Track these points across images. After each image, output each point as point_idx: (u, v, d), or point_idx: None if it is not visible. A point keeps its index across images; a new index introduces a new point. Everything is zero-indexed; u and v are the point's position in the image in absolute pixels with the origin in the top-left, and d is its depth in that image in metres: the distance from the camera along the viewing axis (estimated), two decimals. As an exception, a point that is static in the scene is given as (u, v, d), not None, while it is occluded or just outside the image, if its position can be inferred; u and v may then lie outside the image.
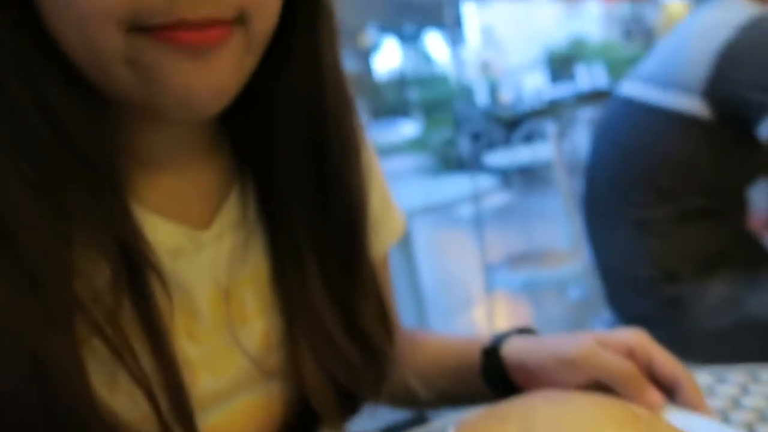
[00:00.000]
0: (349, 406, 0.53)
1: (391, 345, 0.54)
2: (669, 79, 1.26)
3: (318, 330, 0.50)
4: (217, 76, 0.38)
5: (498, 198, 3.81)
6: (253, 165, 0.50)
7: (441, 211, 2.40)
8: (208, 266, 0.47)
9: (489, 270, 2.38)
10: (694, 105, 1.21)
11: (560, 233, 3.52)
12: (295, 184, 0.48)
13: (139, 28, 0.35)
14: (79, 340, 0.37)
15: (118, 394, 0.40)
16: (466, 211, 3.68)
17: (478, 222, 2.75)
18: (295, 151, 0.48)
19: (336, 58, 0.47)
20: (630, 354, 0.51)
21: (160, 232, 0.44)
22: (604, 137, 1.45)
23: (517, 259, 2.44)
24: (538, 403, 0.41)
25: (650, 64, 1.35)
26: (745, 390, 0.54)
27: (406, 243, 2.38)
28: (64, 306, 0.37)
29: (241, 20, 0.38)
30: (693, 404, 0.48)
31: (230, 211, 0.49)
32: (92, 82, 0.38)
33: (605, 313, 1.48)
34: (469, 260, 4.14)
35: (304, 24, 0.45)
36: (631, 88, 1.37)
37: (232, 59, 0.38)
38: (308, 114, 0.47)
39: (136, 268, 0.40)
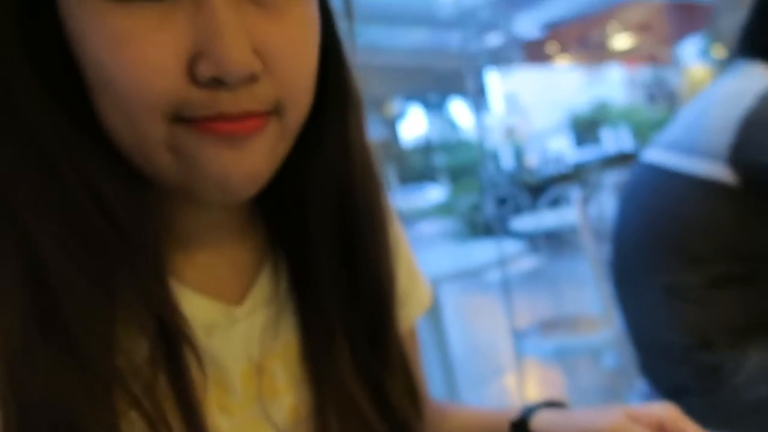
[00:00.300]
0: None
1: (420, 420, 0.54)
2: (693, 145, 1.26)
3: (347, 405, 0.50)
4: (252, 162, 0.40)
5: (525, 263, 3.78)
6: (285, 242, 0.52)
7: (468, 276, 2.38)
8: (241, 341, 0.48)
9: (518, 336, 2.34)
10: (718, 171, 1.21)
11: (589, 299, 3.46)
12: (324, 261, 0.50)
13: (181, 118, 0.38)
14: (118, 412, 0.38)
15: None
16: (493, 276, 3.66)
17: (506, 287, 2.72)
18: (325, 230, 0.50)
19: (363, 140, 0.50)
20: (661, 429, 0.50)
21: (196, 307, 0.45)
22: (629, 202, 1.45)
23: (547, 326, 2.40)
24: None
25: (674, 131, 1.36)
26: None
27: (433, 310, 2.37)
28: (105, 379, 0.38)
29: (276, 111, 0.40)
30: None
31: (262, 287, 0.51)
32: (136, 166, 0.40)
33: (640, 382, 1.44)
34: (497, 326, 4.07)
35: (334, 110, 0.48)
36: (656, 154, 1.37)
37: (267, 146, 0.41)
38: (338, 194, 0.49)
39: (173, 343, 0.41)
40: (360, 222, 0.50)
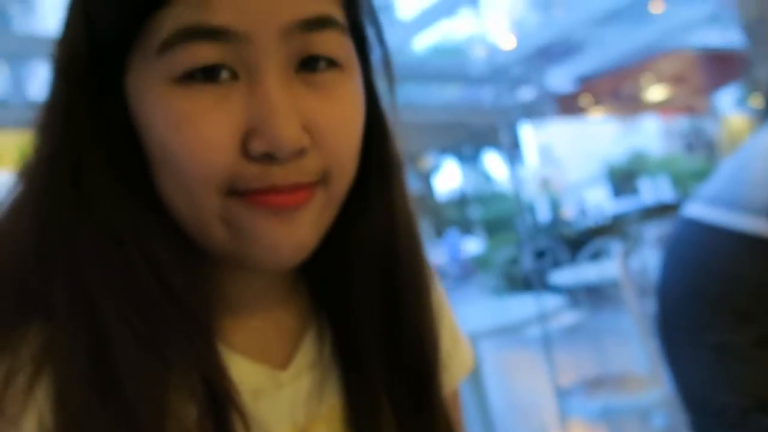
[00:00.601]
0: None
1: None
2: (735, 199, 1.25)
3: None
4: (301, 233, 0.42)
5: (566, 318, 3.70)
6: (329, 305, 0.53)
7: (508, 332, 2.34)
8: (287, 405, 0.49)
9: (562, 395, 2.27)
10: (761, 226, 1.19)
11: (634, 356, 3.35)
12: (369, 325, 0.51)
13: (235, 192, 0.40)
14: None
15: None
16: (533, 331, 3.59)
17: (547, 343, 2.67)
18: (369, 294, 0.51)
19: (406, 204, 0.52)
20: None
21: (243, 371, 0.46)
22: (672, 257, 1.43)
23: (592, 384, 2.32)
24: None
25: (715, 185, 1.35)
26: None
27: (473, 368, 2.32)
28: None
29: (322, 180, 0.42)
30: None
31: (307, 351, 0.52)
32: (192, 237, 0.43)
33: (692, 446, 1.38)
34: (539, 384, 3.96)
35: (377, 178, 0.50)
36: (697, 209, 1.36)
37: (314, 217, 0.43)
38: (382, 259, 0.50)
39: (221, 408, 0.42)
40: (404, 286, 0.51)
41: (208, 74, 0.38)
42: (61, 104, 0.41)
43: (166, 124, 0.39)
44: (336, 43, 0.42)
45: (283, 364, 0.50)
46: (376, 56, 0.49)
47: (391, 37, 0.50)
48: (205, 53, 0.38)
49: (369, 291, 0.50)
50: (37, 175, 0.41)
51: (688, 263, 1.35)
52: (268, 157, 0.39)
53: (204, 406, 0.41)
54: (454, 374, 0.61)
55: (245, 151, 0.39)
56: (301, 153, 0.40)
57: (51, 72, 0.42)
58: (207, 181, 0.39)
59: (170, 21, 0.37)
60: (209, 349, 0.42)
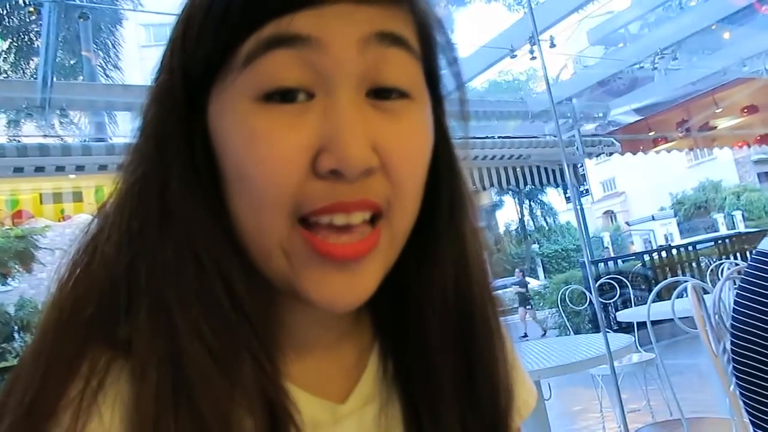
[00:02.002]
0: None
1: None
2: None
3: None
4: (359, 283, 0.42)
5: (636, 357, 3.55)
6: (394, 340, 0.53)
7: (574, 371, 2.27)
8: None
9: (634, 439, 2.16)
10: None
11: (710, 398, 3.17)
12: (441, 363, 0.50)
13: (302, 218, 0.41)
14: None
15: None
16: (601, 370, 3.45)
17: (615, 383, 2.56)
18: (440, 328, 0.50)
19: (478, 241, 0.51)
20: None
21: (302, 404, 0.46)
22: (748, 292, 1.36)
23: (666, 427, 2.21)
24: None
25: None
26: None
27: (538, 407, 2.26)
28: None
29: (386, 216, 0.43)
30: None
31: (366, 385, 0.51)
32: (257, 264, 0.44)
33: (779, 497, 1.28)
34: (608, 425, 3.79)
35: (447, 216, 0.50)
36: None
37: (377, 262, 0.43)
38: (454, 295, 0.50)
39: (281, 426, 0.42)
40: (475, 320, 0.51)
41: (286, 95, 0.40)
42: (154, 129, 0.44)
43: (243, 141, 0.40)
44: (407, 69, 0.43)
45: (342, 398, 0.50)
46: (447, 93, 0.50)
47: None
48: (284, 62, 0.40)
49: (442, 333, 0.50)
50: (128, 195, 0.44)
51: (765, 299, 1.28)
52: (336, 175, 0.40)
53: (264, 423, 0.41)
54: (517, 413, 0.60)
55: (314, 169, 0.40)
56: (368, 173, 0.41)
57: (146, 100, 0.45)
58: (277, 202, 0.40)
59: (254, 38, 0.40)
60: (274, 368, 0.43)
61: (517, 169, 7.76)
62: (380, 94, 0.42)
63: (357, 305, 0.43)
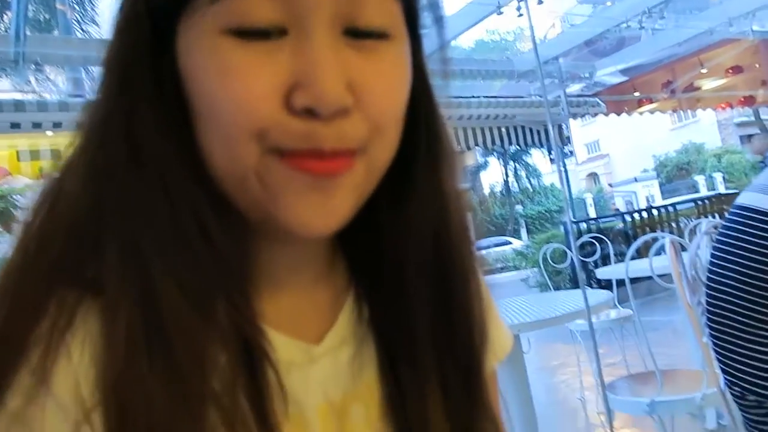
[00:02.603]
0: None
1: None
2: None
3: None
4: (335, 204, 0.42)
5: (614, 313, 3.62)
6: (371, 284, 0.53)
7: (553, 326, 2.30)
8: (319, 380, 0.49)
9: (608, 390, 2.22)
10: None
11: (686, 352, 3.25)
12: (417, 305, 0.50)
13: (276, 151, 0.40)
14: (209, 427, 0.39)
15: None
16: (579, 327, 3.52)
17: (593, 338, 2.61)
18: (417, 273, 0.50)
19: (457, 189, 0.51)
20: None
21: (277, 344, 0.46)
22: (724, 246, 1.38)
23: (640, 379, 2.26)
24: None
25: (769, 173, 1.30)
26: None
27: (516, 361, 2.30)
28: (201, 398, 0.39)
29: (363, 149, 0.42)
30: None
31: (342, 326, 0.52)
32: (228, 194, 0.43)
33: (746, 443, 1.33)
34: (585, 379, 3.88)
35: (426, 156, 0.49)
36: (750, 198, 1.31)
37: (351, 188, 0.42)
38: (432, 240, 0.50)
39: (255, 364, 0.42)
40: (453, 266, 0.51)
41: (258, 33, 0.39)
42: (117, 63, 0.42)
43: (215, 76, 0.39)
44: (385, 7, 0.42)
45: (317, 339, 0.50)
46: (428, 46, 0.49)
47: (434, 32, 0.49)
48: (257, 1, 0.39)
49: (418, 270, 0.50)
50: (93, 132, 0.43)
51: (740, 251, 1.30)
52: (310, 113, 0.39)
53: (238, 362, 0.41)
54: (492, 356, 0.60)
55: (288, 105, 0.39)
56: (344, 113, 0.40)
57: (110, 35, 0.44)
58: (247, 129, 0.39)
59: None
60: (248, 307, 0.43)
61: (503, 129, 7.75)
62: (357, 35, 0.41)
63: (331, 230, 0.42)
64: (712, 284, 1.39)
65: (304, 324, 0.50)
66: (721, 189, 8.01)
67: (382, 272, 0.51)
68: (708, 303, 1.39)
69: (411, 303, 0.50)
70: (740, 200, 1.36)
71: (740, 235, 1.32)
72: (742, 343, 1.29)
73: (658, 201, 8.51)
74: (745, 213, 1.31)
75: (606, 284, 4.38)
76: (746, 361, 1.28)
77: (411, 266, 0.50)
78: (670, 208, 8.13)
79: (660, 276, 2.37)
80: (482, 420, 0.52)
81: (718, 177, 8.33)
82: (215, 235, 0.42)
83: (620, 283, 3.01)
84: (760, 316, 1.24)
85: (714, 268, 1.39)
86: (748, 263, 1.27)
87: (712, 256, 1.40)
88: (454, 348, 0.51)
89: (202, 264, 0.41)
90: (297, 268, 0.50)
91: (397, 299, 0.50)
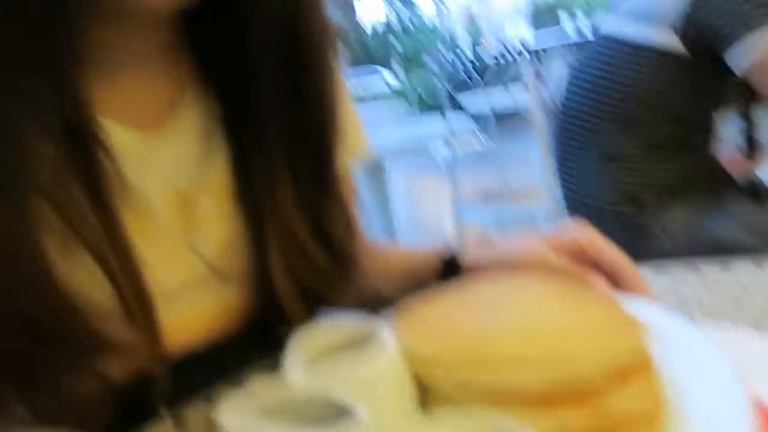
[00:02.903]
0: (316, 308, 0.54)
1: (355, 248, 0.56)
2: (647, 13, 1.26)
3: (287, 236, 0.51)
4: None
5: (474, 142, 3.80)
6: (217, 75, 0.51)
7: (417, 153, 2.38)
8: (162, 169, 0.48)
9: (461, 206, 2.39)
10: (668, 39, 1.22)
11: (536, 174, 3.53)
12: (267, 94, 0.49)
13: None
14: (37, 217, 0.38)
15: (77, 271, 0.41)
16: (443, 155, 3.67)
17: (453, 163, 2.74)
18: (268, 63, 0.48)
19: None
20: (581, 252, 0.49)
21: (111, 132, 0.43)
22: (578, 76, 1.45)
23: (489, 196, 2.46)
24: (480, 282, 0.40)
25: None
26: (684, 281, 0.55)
27: (381, 184, 2.37)
28: (23, 187, 0.37)
29: None
30: (637, 291, 0.47)
31: (185, 117, 0.50)
32: None
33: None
34: (443, 199, 4.15)
35: None
36: (610, 24, 1.37)
37: None
38: (282, 21, 0.47)
39: (84, 145, 0.40)
40: (304, 50, 0.49)
41: None
42: None
43: None
44: None
45: (158, 128, 0.48)
46: None
47: None
48: None
49: (269, 59, 0.48)
50: None
51: (590, 77, 1.38)
52: None
53: (66, 147, 0.39)
54: (348, 151, 0.60)
55: None
56: None
57: None
58: None
59: None
60: (75, 90, 0.40)
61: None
62: None
63: (169, 5, 0.40)
64: (564, 111, 1.47)
65: (143, 114, 0.48)
66: (588, 30, 8.34)
67: (232, 68, 0.49)
68: (557, 128, 1.49)
69: (257, 88, 0.49)
70: (602, 26, 1.41)
71: (595, 65, 1.38)
72: (582, 159, 1.41)
73: (529, 41, 8.72)
74: (602, 43, 1.37)
75: (471, 115, 4.55)
76: (581, 174, 1.41)
77: (258, 54, 0.48)
78: (539, 48, 8.37)
79: (520, 108, 2.47)
80: (332, 210, 0.53)
81: (586, 18, 8.61)
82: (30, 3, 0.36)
83: (484, 115, 3.12)
84: (602, 134, 1.34)
85: (568, 96, 1.46)
86: (600, 90, 1.35)
87: (569, 84, 1.47)
88: (303, 135, 0.51)
89: (17, 35, 0.36)
90: (136, 53, 0.47)
91: (246, 87, 0.49)
